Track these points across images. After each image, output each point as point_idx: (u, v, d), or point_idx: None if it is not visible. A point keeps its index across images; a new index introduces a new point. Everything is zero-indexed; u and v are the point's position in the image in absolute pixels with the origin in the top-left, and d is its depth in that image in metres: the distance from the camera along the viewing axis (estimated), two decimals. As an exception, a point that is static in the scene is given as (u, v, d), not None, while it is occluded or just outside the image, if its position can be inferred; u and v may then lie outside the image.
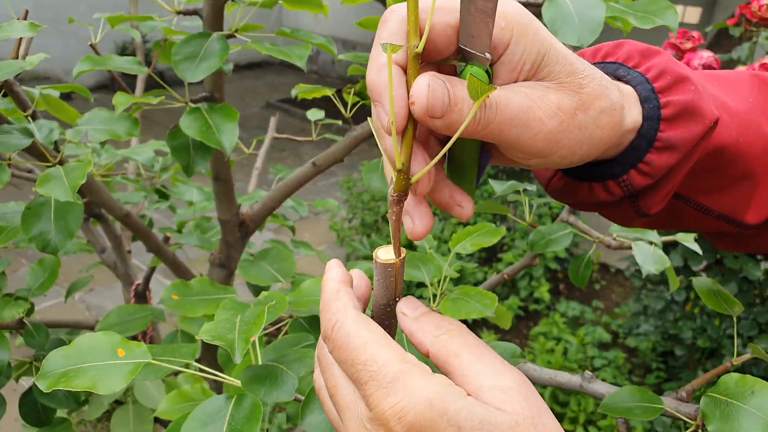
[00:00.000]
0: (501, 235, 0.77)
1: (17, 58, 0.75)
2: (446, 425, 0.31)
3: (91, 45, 1.07)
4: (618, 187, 0.42)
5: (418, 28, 0.31)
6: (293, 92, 0.90)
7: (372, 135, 0.93)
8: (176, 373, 0.99)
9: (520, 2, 0.33)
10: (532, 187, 0.87)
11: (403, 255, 0.38)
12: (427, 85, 0.32)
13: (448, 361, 0.35)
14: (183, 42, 0.72)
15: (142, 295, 1.04)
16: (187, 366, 0.58)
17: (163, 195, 1.34)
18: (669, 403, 0.55)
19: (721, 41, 3.11)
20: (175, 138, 0.76)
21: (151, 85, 1.54)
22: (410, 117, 0.34)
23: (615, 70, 0.43)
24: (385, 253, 0.38)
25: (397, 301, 0.39)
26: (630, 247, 0.78)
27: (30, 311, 0.97)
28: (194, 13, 0.81)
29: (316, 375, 0.41)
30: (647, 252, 0.70)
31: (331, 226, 3.35)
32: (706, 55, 1.85)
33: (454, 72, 0.36)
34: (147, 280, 1.04)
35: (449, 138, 0.34)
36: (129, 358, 0.54)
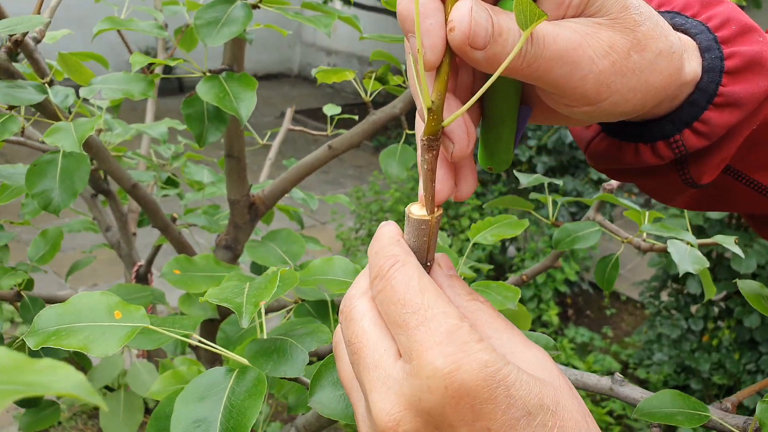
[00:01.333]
0: (524, 227, 0.72)
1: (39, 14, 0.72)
2: (496, 386, 0.27)
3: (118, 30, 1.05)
4: (668, 149, 0.37)
5: None
6: (313, 72, 0.87)
7: (391, 121, 0.89)
8: (173, 358, 0.95)
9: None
10: (559, 182, 0.83)
11: (438, 212, 0.33)
12: (470, 10, 0.29)
13: (477, 324, 0.32)
14: (206, 6, 0.70)
15: (143, 277, 1.01)
16: (186, 337, 0.54)
17: (172, 182, 1.30)
18: (715, 413, 0.50)
19: None
20: (190, 105, 0.73)
21: (167, 89, 1.51)
22: (447, 49, 0.29)
23: (671, 19, 0.38)
24: (420, 209, 0.34)
25: (429, 266, 0.34)
26: (663, 250, 0.73)
27: (29, 285, 0.93)
28: (219, -18, 0.78)
29: (337, 330, 0.36)
30: (684, 251, 0.65)
31: (338, 235, 3.32)
32: None
33: (494, 4, 0.32)
34: (150, 261, 1.01)
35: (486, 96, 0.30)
36: (126, 322, 0.50)
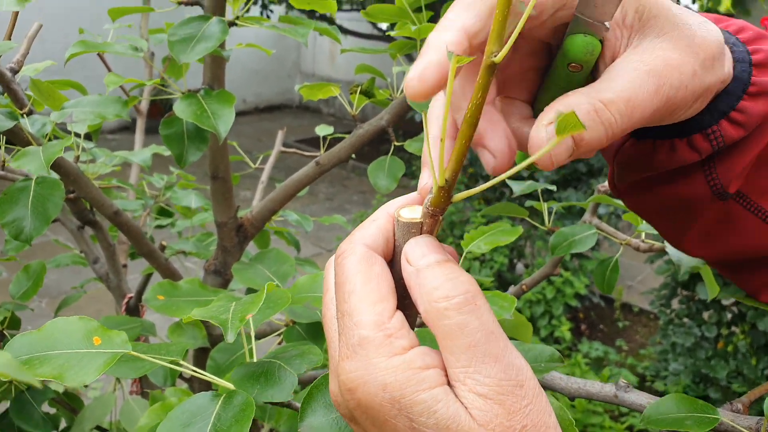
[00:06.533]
0: (518, 234, 0.70)
1: (10, 40, 0.71)
2: (397, 413, 0.27)
3: (98, 55, 1.05)
4: (706, 140, 0.37)
5: (505, 29, 0.26)
6: (296, 87, 0.86)
7: (378, 135, 0.87)
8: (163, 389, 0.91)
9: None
10: (553, 187, 0.80)
11: (429, 216, 0.32)
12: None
13: (437, 338, 0.29)
14: (181, 23, 0.69)
15: (134, 309, 0.98)
16: (174, 364, 0.51)
17: (165, 213, 1.29)
18: (725, 414, 0.47)
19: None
20: (169, 126, 0.71)
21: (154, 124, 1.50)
22: (467, 134, 0.29)
23: None
24: (410, 212, 0.33)
25: None
26: (662, 250, 0.70)
27: (14, 324, 0.91)
28: (196, 3, 0.78)
29: None
30: (685, 248, 0.62)
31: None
32: None
33: (542, 51, 0.34)
34: (140, 292, 0.98)
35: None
36: (106, 348, 0.47)
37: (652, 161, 0.40)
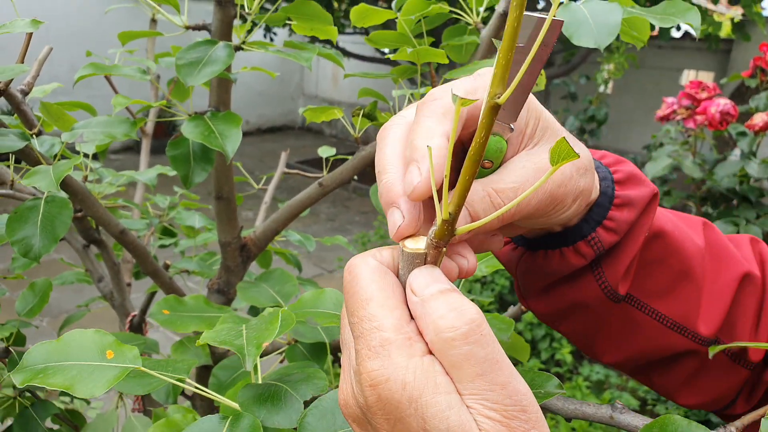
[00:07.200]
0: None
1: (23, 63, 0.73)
2: (413, 413, 0.29)
3: (105, 77, 1.07)
4: (588, 246, 0.45)
5: (507, 73, 0.27)
6: (300, 110, 0.87)
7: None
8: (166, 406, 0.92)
9: (533, 13, 0.34)
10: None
11: (432, 247, 0.34)
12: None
13: (445, 367, 0.30)
14: (188, 48, 0.71)
15: (137, 327, 0.99)
16: (180, 381, 0.52)
17: (169, 233, 1.30)
18: (719, 435, 0.47)
19: (735, 99, 3.12)
20: (176, 147, 0.73)
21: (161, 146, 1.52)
22: (470, 170, 0.30)
23: None
24: (414, 243, 0.34)
25: None
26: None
27: (20, 341, 0.91)
28: (203, 27, 0.80)
29: None
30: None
31: (345, 283, 3.29)
32: (723, 102, 1.82)
33: (461, 153, 0.38)
34: (143, 310, 0.99)
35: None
36: (118, 362, 0.48)
37: (547, 268, 0.47)
